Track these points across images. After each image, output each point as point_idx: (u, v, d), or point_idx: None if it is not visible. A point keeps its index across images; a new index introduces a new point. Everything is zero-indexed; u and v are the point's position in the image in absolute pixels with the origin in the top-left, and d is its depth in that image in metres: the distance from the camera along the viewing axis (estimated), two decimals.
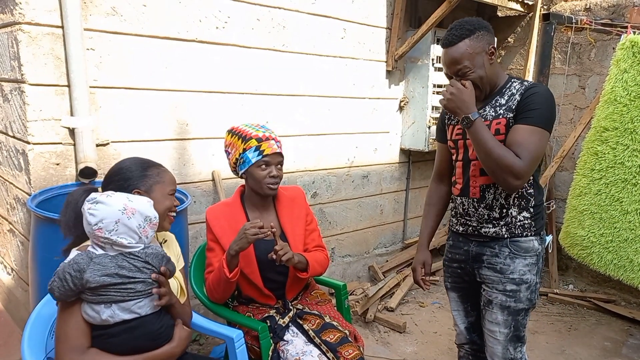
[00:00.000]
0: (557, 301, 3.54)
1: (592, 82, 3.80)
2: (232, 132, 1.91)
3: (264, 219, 1.92)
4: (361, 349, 1.83)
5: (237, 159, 1.88)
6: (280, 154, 1.89)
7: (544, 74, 2.60)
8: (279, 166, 1.90)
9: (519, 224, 1.74)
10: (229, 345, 1.73)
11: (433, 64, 3.52)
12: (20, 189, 2.33)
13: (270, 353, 1.78)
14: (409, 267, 3.88)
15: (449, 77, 1.73)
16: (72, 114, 2.20)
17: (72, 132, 2.22)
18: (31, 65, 2.09)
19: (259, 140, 1.85)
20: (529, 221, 1.74)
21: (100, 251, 1.31)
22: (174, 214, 1.56)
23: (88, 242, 1.37)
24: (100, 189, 1.50)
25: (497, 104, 1.70)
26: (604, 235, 2.84)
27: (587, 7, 3.77)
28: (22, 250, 2.49)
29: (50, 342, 1.47)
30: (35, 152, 2.16)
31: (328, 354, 1.74)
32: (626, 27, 2.81)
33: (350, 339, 1.83)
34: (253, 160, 1.85)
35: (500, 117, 1.67)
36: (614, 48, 2.86)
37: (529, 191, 1.74)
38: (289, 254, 1.76)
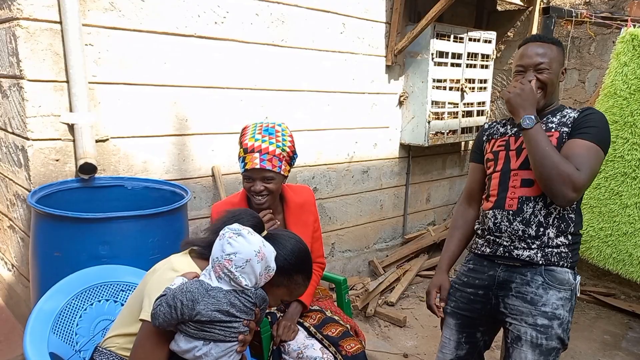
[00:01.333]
0: None
1: (592, 76, 3.80)
2: (241, 130, 1.84)
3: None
4: (363, 342, 1.83)
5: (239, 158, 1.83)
6: (263, 170, 1.72)
7: None
8: (266, 181, 1.75)
9: (555, 250, 1.62)
10: None
11: (433, 59, 3.51)
12: (20, 185, 2.33)
13: (270, 348, 1.78)
14: (409, 261, 3.89)
15: (519, 73, 1.69)
16: (71, 110, 2.20)
17: (71, 128, 2.22)
18: (29, 61, 2.08)
19: (245, 150, 1.74)
20: (566, 250, 1.63)
21: (215, 283, 1.25)
22: None
23: (192, 270, 1.32)
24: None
25: (549, 121, 1.68)
26: (603, 229, 2.84)
27: (587, 0, 3.76)
28: (22, 246, 2.49)
29: (52, 338, 1.48)
30: (34, 148, 2.16)
31: (330, 348, 1.74)
32: (626, 21, 2.80)
33: (351, 333, 1.83)
34: (241, 170, 1.79)
35: (552, 130, 1.65)
36: (614, 42, 2.86)
37: (570, 215, 1.64)
38: (290, 333, 1.76)
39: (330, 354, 1.73)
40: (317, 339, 1.79)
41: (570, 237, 1.64)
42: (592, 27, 3.59)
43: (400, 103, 3.73)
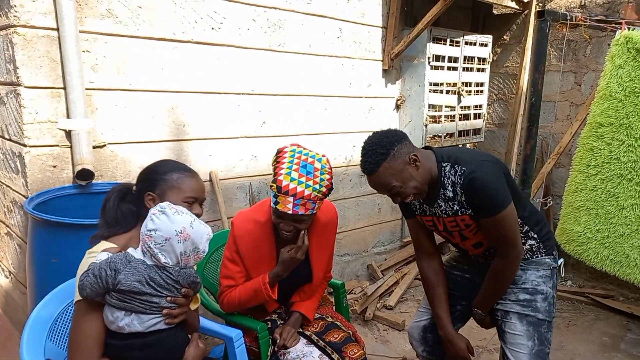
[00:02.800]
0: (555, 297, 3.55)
1: (587, 79, 3.82)
2: (278, 153, 1.74)
3: (293, 241, 1.79)
4: (364, 348, 1.84)
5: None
6: (295, 216, 1.64)
7: (540, 70, 2.60)
8: (297, 222, 1.69)
9: (526, 250, 1.75)
10: (228, 345, 1.73)
11: (429, 63, 3.53)
12: (17, 192, 2.33)
13: (269, 354, 1.78)
14: (408, 265, 3.89)
15: (392, 196, 1.66)
16: (68, 116, 2.20)
17: (68, 134, 2.22)
18: (26, 68, 2.09)
19: (279, 189, 1.63)
20: (537, 244, 1.75)
21: (139, 255, 1.33)
22: None
23: (110, 245, 1.39)
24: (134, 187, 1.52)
25: (447, 197, 1.66)
26: (600, 231, 2.84)
27: (582, 3, 3.79)
28: (19, 253, 2.49)
29: (49, 344, 1.47)
30: (31, 155, 2.16)
31: (333, 355, 1.73)
32: (620, 23, 2.81)
33: (352, 338, 1.83)
34: (273, 204, 1.69)
35: (459, 213, 1.67)
36: (609, 44, 2.87)
37: (525, 225, 1.74)
38: (293, 340, 1.77)
39: None
40: (318, 346, 1.78)
41: (536, 235, 1.75)
42: (587, 30, 3.61)
43: (397, 107, 3.74)
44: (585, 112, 3.26)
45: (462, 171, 1.60)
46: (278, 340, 1.76)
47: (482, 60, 3.94)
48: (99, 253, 1.36)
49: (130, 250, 1.35)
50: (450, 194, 1.65)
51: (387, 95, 3.66)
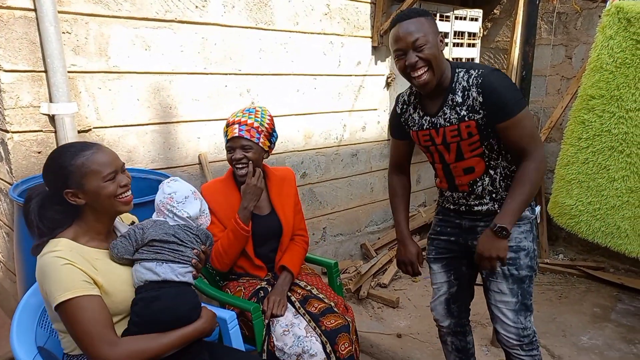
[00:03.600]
0: (547, 271, 3.59)
1: (578, 52, 3.79)
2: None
3: None
4: (346, 317, 1.85)
5: None
6: (242, 138, 1.90)
7: (530, 43, 2.57)
8: (245, 150, 1.91)
9: None
10: (222, 327, 1.74)
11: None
12: (2, 179, 2.28)
13: (263, 335, 1.79)
14: None
15: (399, 57, 1.63)
16: (51, 101, 2.15)
17: (52, 119, 2.17)
18: (4, 50, 2.03)
19: (227, 125, 1.94)
20: None
21: (162, 219, 1.48)
22: (127, 193, 1.41)
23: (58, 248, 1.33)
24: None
25: (455, 103, 1.65)
26: (591, 203, 2.85)
27: None
28: (7, 241, 2.45)
29: (40, 332, 1.46)
30: (14, 141, 2.11)
31: (310, 324, 1.79)
32: None
33: (336, 309, 1.86)
34: (225, 145, 1.96)
35: (466, 119, 1.64)
36: (599, 16, 2.84)
37: (511, 168, 1.74)
38: (280, 307, 1.83)
39: (316, 336, 1.75)
40: (301, 314, 1.84)
41: None
42: (578, 2, 3.58)
43: (388, 84, 3.70)
44: (576, 86, 3.24)
45: (479, 72, 1.62)
46: (266, 312, 1.82)
47: (472, 35, 3.89)
48: (57, 246, 1.31)
49: (153, 218, 1.50)
50: (459, 99, 1.64)
51: (377, 73, 3.61)
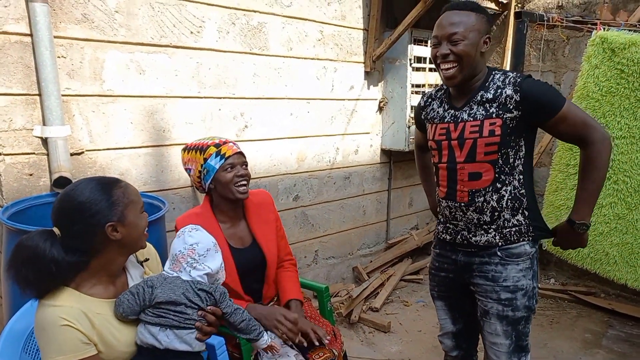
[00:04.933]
0: (539, 295, 3.58)
1: (567, 78, 3.87)
2: (187, 148, 1.88)
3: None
4: (333, 350, 1.82)
5: (200, 172, 1.82)
6: (242, 154, 1.86)
7: (519, 70, 2.64)
8: (244, 166, 1.86)
9: (514, 229, 1.65)
10: (211, 353, 1.71)
11: (411, 64, 3.55)
12: None
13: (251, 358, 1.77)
14: (393, 266, 3.90)
15: (434, 45, 1.63)
16: (44, 124, 2.16)
17: (45, 141, 2.18)
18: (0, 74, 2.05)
19: (217, 145, 1.83)
20: (525, 226, 1.65)
21: (175, 274, 1.41)
22: (147, 229, 1.41)
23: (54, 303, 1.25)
24: (56, 230, 1.27)
25: (484, 99, 1.61)
26: None
27: (560, 4, 3.84)
28: None
29: (24, 357, 1.44)
30: (6, 163, 2.12)
31: (298, 358, 1.74)
32: (596, 24, 2.86)
33: (324, 342, 1.81)
34: (217, 166, 1.80)
35: (494, 116, 1.58)
36: (586, 44, 2.91)
37: (521, 192, 1.64)
38: (305, 330, 1.76)
39: None
40: (291, 348, 1.78)
41: (526, 213, 1.66)
42: (564, 31, 3.66)
43: (380, 109, 3.75)
44: None
45: (518, 75, 1.62)
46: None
47: None
48: (59, 299, 1.24)
49: (163, 272, 1.43)
50: (490, 96, 1.60)
51: (369, 98, 3.67)
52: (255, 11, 2.85)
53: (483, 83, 1.63)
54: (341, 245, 3.72)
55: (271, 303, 1.99)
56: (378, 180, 3.88)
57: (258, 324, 1.55)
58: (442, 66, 1.61)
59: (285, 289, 1.95)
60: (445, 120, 1.70)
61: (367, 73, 3.58)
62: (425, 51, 3.63)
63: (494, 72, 1.65)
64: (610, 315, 3.28)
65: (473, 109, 1.63)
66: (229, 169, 1.81)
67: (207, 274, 1.43)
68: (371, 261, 3.90)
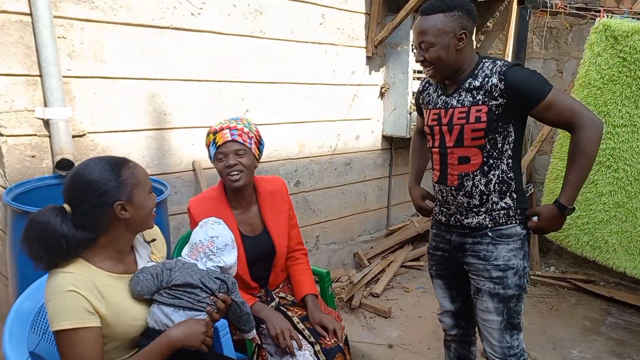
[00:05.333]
0: (538, 283, 3.61)
1: (569, 66, 3.85)
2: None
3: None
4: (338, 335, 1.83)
5: (209, 157, 1.86)
6: (234, 142, 1.77)
7: (521, 58, 2.63)
8: (239, 154, 1.78)
9: (502, 212, 1.70)
10: (214, 335, 1.73)
11: (413, 50, 3.52)
12: None
13: (254, 344, 1.78)
14: (394, 253, 3.91)
15: (415, 48, 1.72)
16: (45, 105, 2.15)
17: (46, 123, 2.17)
18: (0, 54, 2.02)
19: (215, 132, 1.79)
20: (513, 209, 1.70)
21: (192, 261, 1.46)
22: (155, 209, 1.43)
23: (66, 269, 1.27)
24: (66, 206, 1.29)
25: (472, 87, 1.65)
26: (579, 217, 2.89)
27: None
28: (0, 245, 2.43)
29: (32, 337, 1.45)
30: (9, 145, 2.11)
31: (310, 339, 1.75)
32: (600, 11, 2.84)
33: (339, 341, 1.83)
34: (212, 154, 1.80)
35: (480, 103, 1.62)
36: (589, 32, 2.89)
37: (509, 175, 1.69)
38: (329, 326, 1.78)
39: (309, 349, 1.73)
40: (298, 329, 1.79)
41: (514, 195, 1.71)
42: (568, 18, 3.64)
43: (382, 94, 3.74)
44: None
45: (505, 62, 1.64)
46: (281, 345, 1.72)
47: None
48: (69, 266, 1.28)
49: (180, 258, 1.48)
50: (477, 84, 1.64)
51: (371, 83, 3.65)
52: None
53: (472, 71, 1.68)
54: (342, 231, 3.73)
55: (278, 289, 1.99)
56: (379, 166, 3.88)
57: (253, 319, 1.62)
58: (423, 69, 1.72)
59: (300, 282, 1.94)
60: (438, 106, 1.76)
61: (368, 58, 3.56)
62: None
63: (484, 60, 1.68)
64: (609, 303, 3.30)
65: (462, 95, 1.68)
66: (222, 157, 1.79)
67: (220, 267, 1.48)
68: (372, 247, 3.92)
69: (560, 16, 3.56)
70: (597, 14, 3.05)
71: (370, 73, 3.62)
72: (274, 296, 1.93)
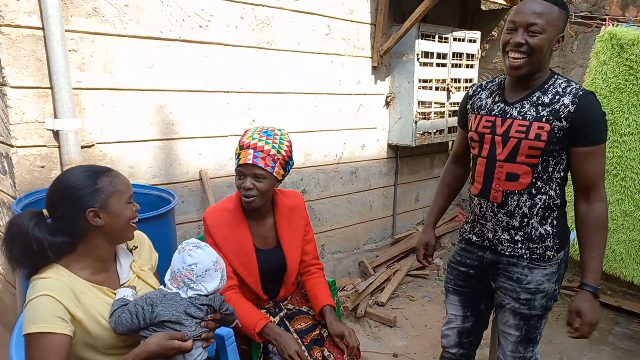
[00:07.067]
0: None
1: (575, 74, 3.85)
2: (243, 133, 1.85)
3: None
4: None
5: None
6: (254, 166, 1.70)
7: None
8: (257, 179, 1.73)
9: (540, 245, 1.63)
10: (220, 344, 1.74)
11: (418, 59, 3.54)
12: (5, 193, 2.31)
13: (260, 352, 1.79)
14: (399, 261, 3.91)
15: (509, 31, 1.54)
16: (55, 116, 2.19)
17: (56, 134, 2.21)
18: (12, 68, 2.07)
19: (241, 147, 1.74)
20: (552, 239, 1.63)
21: (174, 290, 1.40)
22: (136, 220, 1.42)
23: (47, 275, 1.28)
24: (45, 211, 1.32)
25: (539, 102, 1.55)
26: None
27: None
28: None
29: None
30: (19, 155, 2.15)
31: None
32: (605, 20, 2.85)
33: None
34: (235, 165, 1.78)
35: (544, 120, 1.53)
36: (595, 40, 2.90)
37: (555, 202, 1.62)
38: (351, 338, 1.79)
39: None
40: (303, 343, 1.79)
41: (555, 222, 1.64)
42: (573, 26, 3.65)
43: (387, 104, 3.75)
44: None
45: (581, 88, 1.55)
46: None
47: (470, 56, 3.96)
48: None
49: (162, 288, 1.42)
50: (547, 100, 1.54)
51: (376, 92, 3.67)
52: (263, 5, 2.86)
53: (542, 84, 1.58)
54: (347, 239, 3.74)
55: (286, 301, 1.99)
56: (385, 175, 3.89)
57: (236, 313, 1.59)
58: (511, 54, 1.53)
59: (317, 295, 1.93)
60: (493, 112, 1.64)
61: (374, 68, 3.59)
62: (432, 46, 3.62)
63: (556, 76, 1.60)
64: (617, 313, 3.28)
65: (525, 107, 1.58)
66: (240, 176, 1.76)
67: (204, 295, 1.41)
68: (377, 256, 3.92)
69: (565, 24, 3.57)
70: (602, 22, 3.05)
71: (375, 82, 3.64)
72: (282, 307, 1.94)
